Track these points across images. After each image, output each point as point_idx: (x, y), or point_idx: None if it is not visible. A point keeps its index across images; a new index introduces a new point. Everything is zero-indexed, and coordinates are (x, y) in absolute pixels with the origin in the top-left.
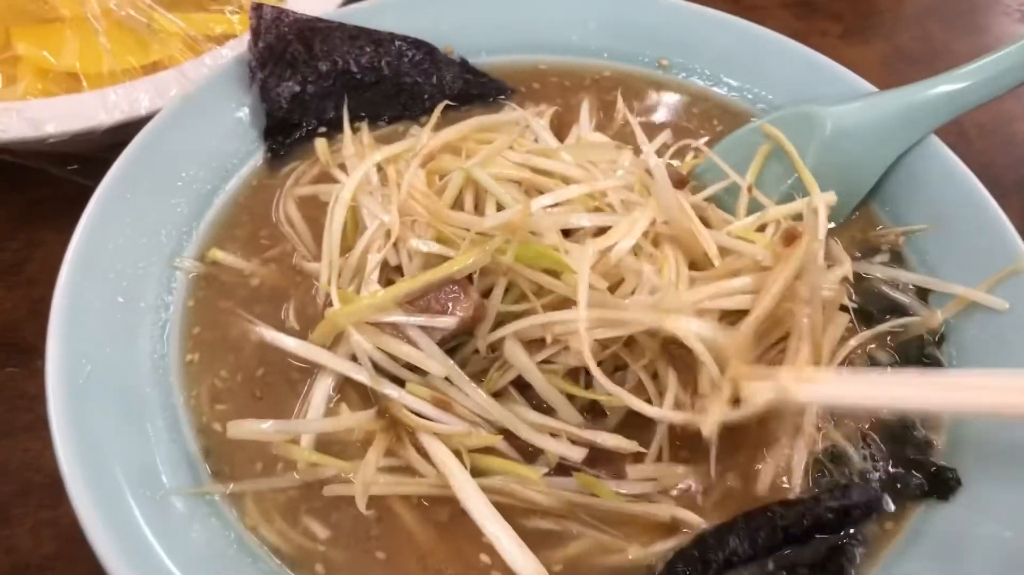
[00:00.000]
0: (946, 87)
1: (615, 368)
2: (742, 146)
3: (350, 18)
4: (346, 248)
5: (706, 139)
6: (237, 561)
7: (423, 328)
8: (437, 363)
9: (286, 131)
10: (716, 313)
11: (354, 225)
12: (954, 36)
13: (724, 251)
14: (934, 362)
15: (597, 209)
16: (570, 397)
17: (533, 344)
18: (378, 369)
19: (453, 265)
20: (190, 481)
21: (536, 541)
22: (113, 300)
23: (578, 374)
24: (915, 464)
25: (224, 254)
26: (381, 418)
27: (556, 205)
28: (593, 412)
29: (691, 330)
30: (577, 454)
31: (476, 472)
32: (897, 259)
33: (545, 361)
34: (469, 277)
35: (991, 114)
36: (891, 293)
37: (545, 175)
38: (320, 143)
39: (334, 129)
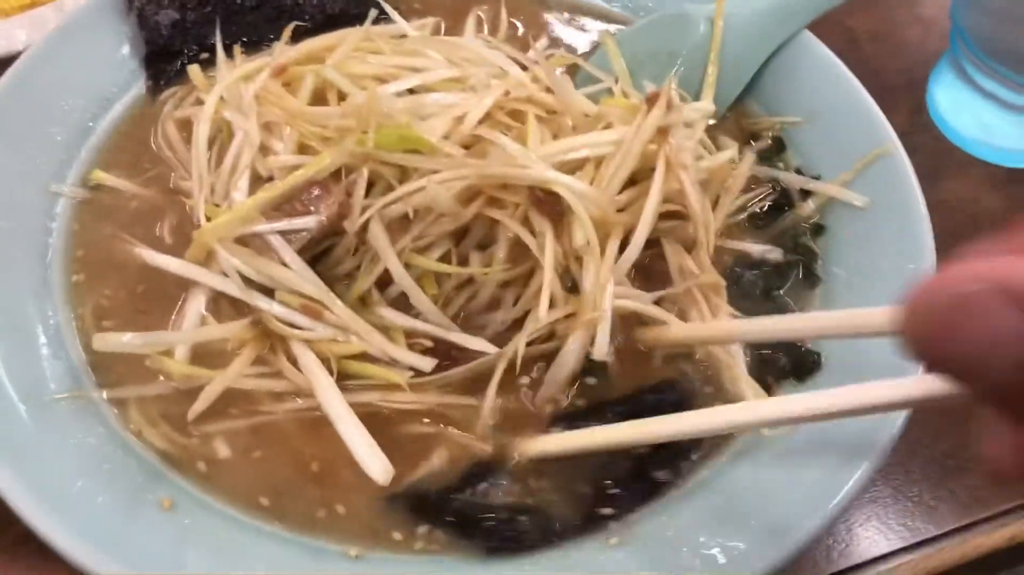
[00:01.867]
0: None
1: (480, 245)
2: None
3: None
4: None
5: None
6: (123, 463)
7: (288, 233)
8: (297, 276)
9: (167, 59)
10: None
11: (229, 142)
12: None
13: None
14: (806, 252)
15: None
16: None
17: (401, 225)
18: (250, 281)
19: (313, 167)
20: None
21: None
22: None
23: (449, 257)
24: (783, 347)
25: (106, 175)
26: (255, 328)
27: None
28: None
29: (549, 176)
30: (426, 364)
31: (345, 377)
32: (779, 144)
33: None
34: (336, 177)
35: (881, 21)
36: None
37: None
38: (193, 69)
39: (214, 57)
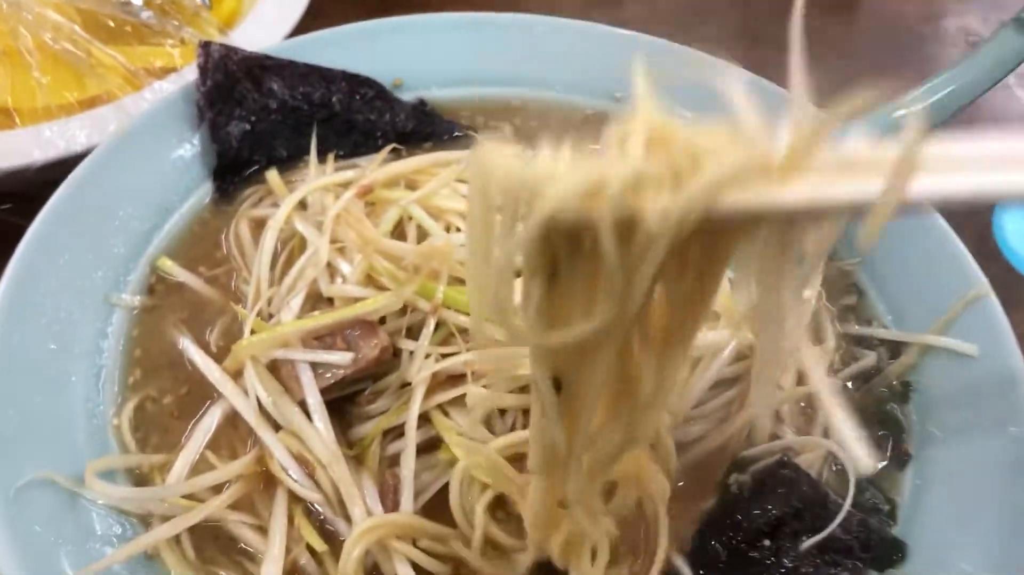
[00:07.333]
0: (898, 113)
1: None
2: None
3: (296, 51)
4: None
5: None
6: None
7: (321, 366)
8: (308, 426)
9: (236, 169)
10: None
11: (300, 252)
12: (904, 65)
13: None
14: (893, 425)
15: None
16: None
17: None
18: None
19: (365, 305)
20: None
21: None
22: (45, 347)
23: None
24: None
25: (172, 263)
26: (256, 464)
27: None
28: None
29: None
30: None
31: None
32: (861, 296)
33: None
34: (400, 309)
35: None
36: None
37: None
38: (272, 175)
39: (284, 167)
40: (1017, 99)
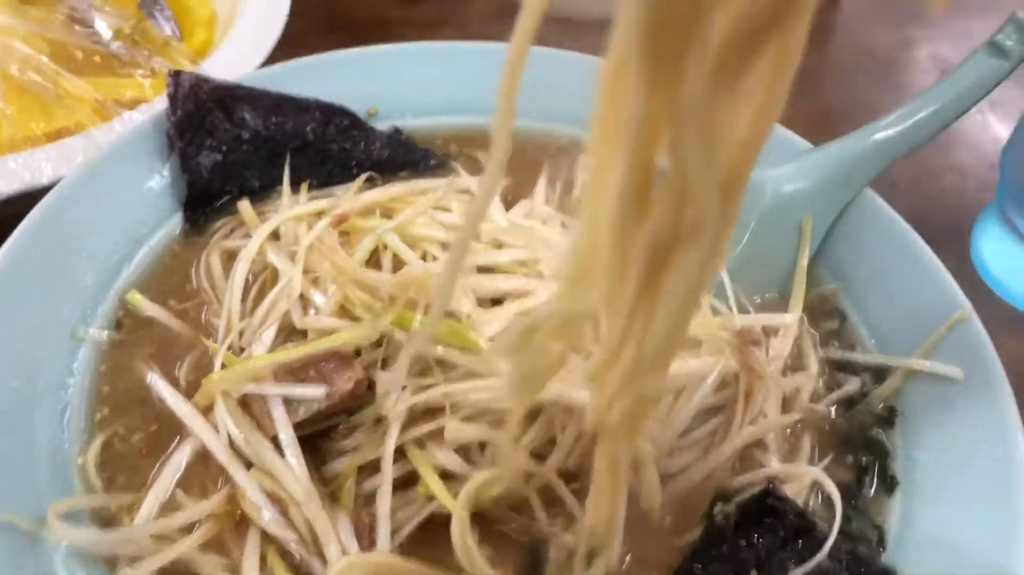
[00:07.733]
0: (878, 136)
1: None
2: None
3: (268, 80)
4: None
5: None
6: None
7: (294, 401)
8: (281, 463)
9: (207, 200)
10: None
11: (273, 284)
12: (878, 92)
13: None
14: (878, 450)
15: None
16: None
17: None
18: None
19: (340, 337)
20: None
21: None
22: (7, 384)
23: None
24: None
25: (141, 298)
26: (228, 503)
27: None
28: None
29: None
30: None
31: None
32: (843, 320)
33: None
34: (358, 351)
35: (919, 168)
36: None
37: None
38: (244, 205)
39: (256, 197)
40: (990, 126)
